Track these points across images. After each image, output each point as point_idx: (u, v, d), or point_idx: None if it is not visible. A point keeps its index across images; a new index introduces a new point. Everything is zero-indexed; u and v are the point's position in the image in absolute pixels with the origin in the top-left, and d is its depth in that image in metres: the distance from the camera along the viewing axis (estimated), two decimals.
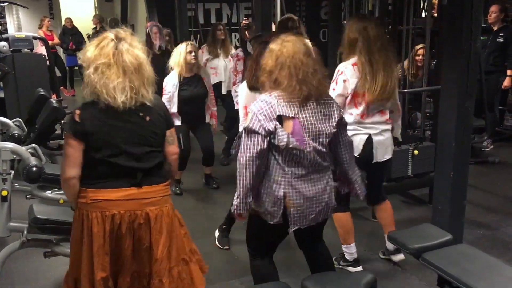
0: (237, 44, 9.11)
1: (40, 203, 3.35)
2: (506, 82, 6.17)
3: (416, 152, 4.20)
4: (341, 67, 3.16)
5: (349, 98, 3.13)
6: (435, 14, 5.82)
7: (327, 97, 2.45)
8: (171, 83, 4.67)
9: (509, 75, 6.14)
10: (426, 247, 2.51)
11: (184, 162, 4.78)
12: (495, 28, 6.18)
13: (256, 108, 2.33)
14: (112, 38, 2.22)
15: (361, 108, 3.13)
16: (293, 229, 2.43)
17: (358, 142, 3.15)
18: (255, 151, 2.29)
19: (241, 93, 3.25)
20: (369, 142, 3.18)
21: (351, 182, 2.62)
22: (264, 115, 2.29)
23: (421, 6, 6.70)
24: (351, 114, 3.15)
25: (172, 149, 2.48)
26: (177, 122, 4.62)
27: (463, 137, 3.36)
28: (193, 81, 4.73)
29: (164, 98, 4.59)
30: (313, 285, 2.25)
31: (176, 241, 2.43)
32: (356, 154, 3.11)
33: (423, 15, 6.59)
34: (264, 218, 2.45)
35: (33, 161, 3.03)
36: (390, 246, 3.46)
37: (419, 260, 2.49)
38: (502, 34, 6.15)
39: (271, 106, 2.31)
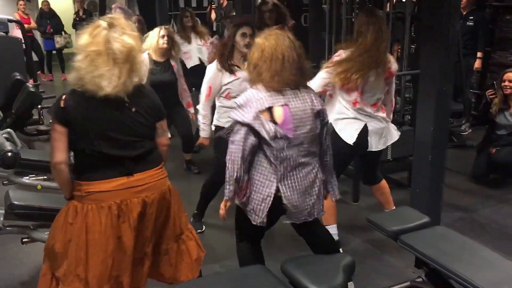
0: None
1: (17, 189, 3.30)
2: (476, 64, 6.34)
3: None
4: (341, 51, 3.16)
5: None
6: None
7: (307, 89, 2.47)
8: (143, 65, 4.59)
9: (479, 57, 6.29)
10: (404, 229, 2.55)
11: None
12: (464, 12, 6.31)
13: (243, 100, 2.36)
14: (105, 27, 2.20)
15: (353, 95, 3.15)
16: (289, 222, 2.49)
17: (354, 130, 3.17)
18: (241, 143, 2.31)
19: (208, 72, 3.38)
20: (364, 130, 3.19)
21: (328, 183, 2.66)
22: (250, 107, 2.31)
23: None
24: (343, 100, 3.18)
25: (162, 140, 2.48)
26: None
27: (441, 121, 3.40)
28: (163, 66, 4.63)
29: None
30: (292, 268, 2.26)
31: (180, 216, 2.53)
32: (350, 142, 3.17)
33: None
34: (248, 217, 2.47)
35: (8, 146, 2.96)
36: None
37: (397, 242, 2.53)
38: (472, 17, 6.29)
39: (259, 99, 2.33)
